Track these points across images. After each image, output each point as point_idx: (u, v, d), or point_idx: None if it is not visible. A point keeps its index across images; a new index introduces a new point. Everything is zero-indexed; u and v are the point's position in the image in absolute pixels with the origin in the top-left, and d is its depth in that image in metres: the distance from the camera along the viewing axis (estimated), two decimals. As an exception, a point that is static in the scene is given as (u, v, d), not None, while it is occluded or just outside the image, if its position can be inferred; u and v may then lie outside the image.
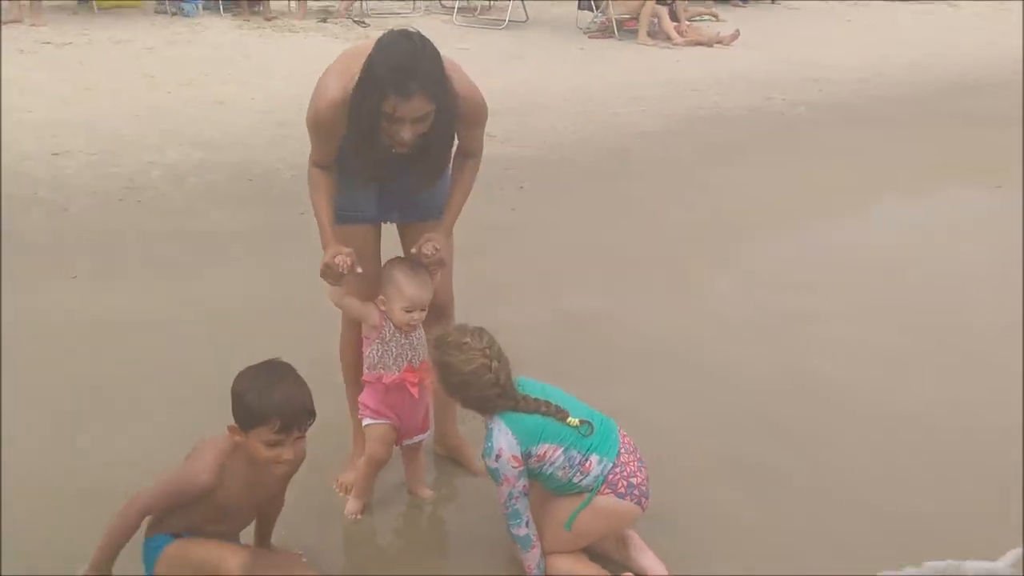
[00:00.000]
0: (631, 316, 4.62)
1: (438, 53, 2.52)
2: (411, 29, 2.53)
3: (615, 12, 12.58)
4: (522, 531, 2.65)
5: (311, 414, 2.33)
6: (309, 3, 12.90)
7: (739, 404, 3.81)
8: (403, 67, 2.42)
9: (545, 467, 2.58)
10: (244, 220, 5.54)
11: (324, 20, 12.19)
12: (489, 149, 6.98)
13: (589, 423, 2.61)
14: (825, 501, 3.20)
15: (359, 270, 2.72)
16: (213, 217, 5.56)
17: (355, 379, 3.04)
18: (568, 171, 6.98)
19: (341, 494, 3.04)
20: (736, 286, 5.06)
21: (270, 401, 2.26)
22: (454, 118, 2.63)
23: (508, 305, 4.58)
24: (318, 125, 2.63)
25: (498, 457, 2.54)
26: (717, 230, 5.94)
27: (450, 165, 2.85)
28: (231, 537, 2.48)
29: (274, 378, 2.31)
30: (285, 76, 8.93)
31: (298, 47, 10.56)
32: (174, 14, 11.78)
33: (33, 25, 10.32)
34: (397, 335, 2.83)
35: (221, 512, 2.40)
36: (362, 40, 2.74)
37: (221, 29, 11.15)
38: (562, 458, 2.58)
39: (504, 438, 2.54)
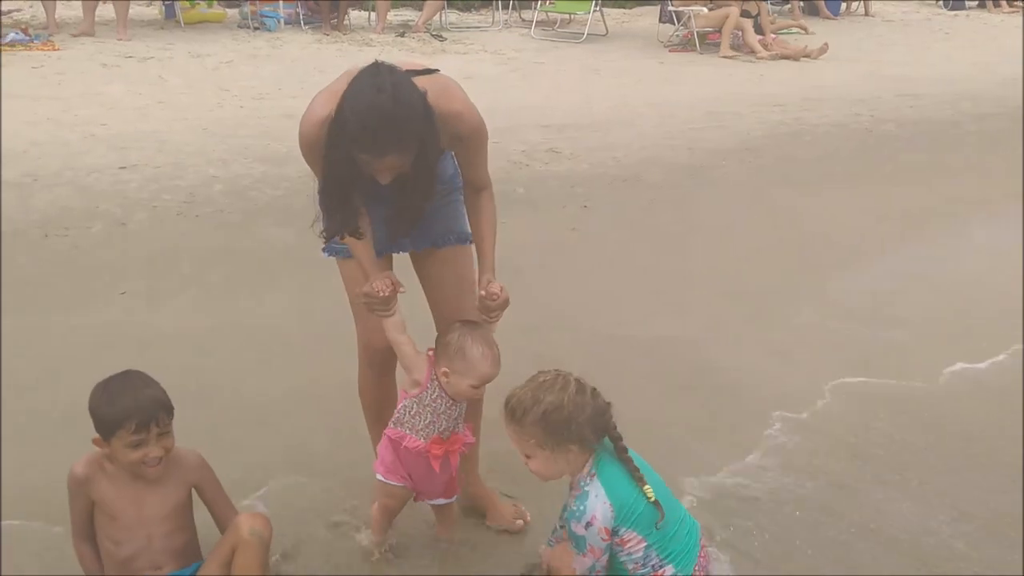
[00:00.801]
0: (692, 348, 4.31)
1: (412, 95, 2.27)
2: (384, 67, 2.31)
3: (697, 25, 12.27)
4: None
5: (166, 408, 2.41)
6: (390, 17, 12.96)
7: (815, 448, 3.50)
8: (373, 126, 2.22)
9: (621, 555, 2.40)
10: (300, 237, 5.43)
11: (402, 34, 12.21)
12: (555, 166, 7.07)
13: (659, 508, 2.36)
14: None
15: (403, 289, 2.57)
16: (270, 233, 5.49)
17: (376, 419, 2.86)
18: (636, 190, 6.72)
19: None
20: (814, 317, 4.71)
21: (121, 406, 2.36)
22: (437, 153, 2.48)
23: (560, 331, 4.38)
24: (309, 146, 2.45)
25: (588, 525, 2.33)
26: (794, 254, 5.58)
27: (436, 189, 2.61)
28: (140, 567, 2.48)
29: (121, 385, 2.41)
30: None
31: (370, 61, 10.54)
32: (256, 28, 11.95)
33: (119, 40, 10.57)
34: (438, 402, 2.58)
35: (119, 529, 2.46)
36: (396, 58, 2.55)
37: (300, 43, 11.25)
38: (642, 553, 2.39)
39: (600, 507, 2.33)
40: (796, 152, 7.94)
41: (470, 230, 2.79)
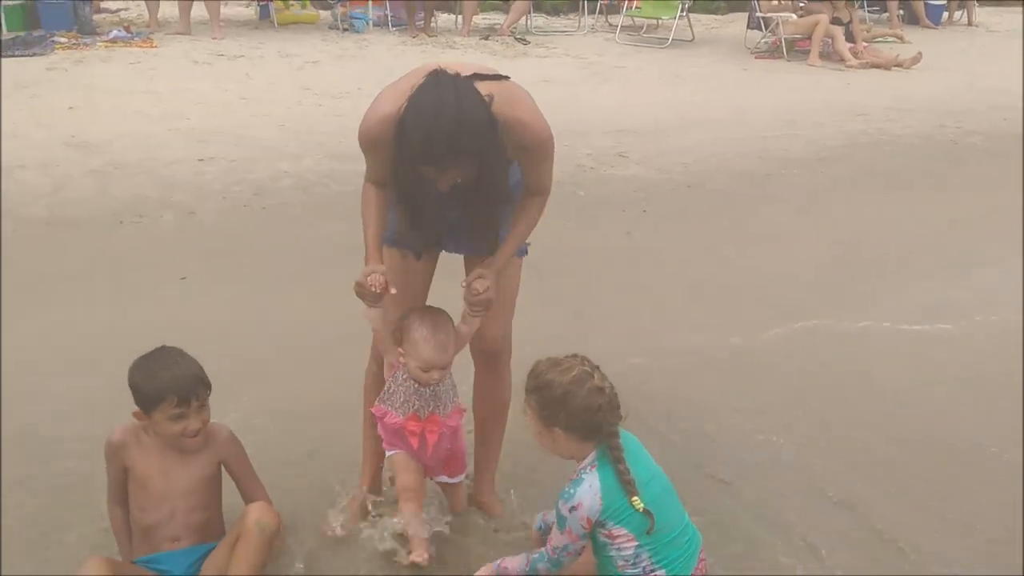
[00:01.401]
0: (735, 363, 4.22)
1: (475, 107, 2.28)
2: (445, 76, 2.30)
3: (785, 32, 12.05)
4: (542, 571, 2.50)
5: (204, 383, 2.55)
6: (477, 20, 13.12)
7: (880, 474, 3.39)
8: (434, 138, 2.24)
9: (610, 549, 2.41)
10: (360, 233, 5.58)
11: (486, 37, 12.34)
12: (620, 170, 7.08)
13: (650, 517, 2.36)
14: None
15: (393, 291, 2.60)
16: (330, 227, 5.63)
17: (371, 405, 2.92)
18: (699, 196, 6.66)
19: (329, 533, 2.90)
20: (877, 333, 4.55)
21: (162, 382, 2.48)
22: (504, 164, 2.48)
23: (600, 339, 4.28)
24: (369, 141, 2.50)
25: (573, 509, 2.37)
26: (858, 269, 5.40)
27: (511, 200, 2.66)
28: (160, 537, 2.58)
29: (161, 361, 2.53)
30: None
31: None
32: (345, 30, 12.25)
33: (213, 39, 10.98)
34: (408, 383, 2.68)
35: (147, 497, 2.58)
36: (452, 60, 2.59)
37: (386, 45, 11.48)
38: (632, 552, 2.39)
39: (589, 497, 2.36)
40: (873, 163, 7.74)
41: (524, 246, 2.82)
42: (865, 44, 12.20)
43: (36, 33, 10.72)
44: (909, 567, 2.87)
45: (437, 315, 2.67)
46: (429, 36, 12.05)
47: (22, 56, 9.67)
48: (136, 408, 2.54)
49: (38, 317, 4.30)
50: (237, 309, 4.47)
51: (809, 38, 11.95)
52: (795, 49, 12.32)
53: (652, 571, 2.41)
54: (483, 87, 2.37)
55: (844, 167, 7.56)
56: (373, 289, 2.56)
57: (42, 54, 9.79)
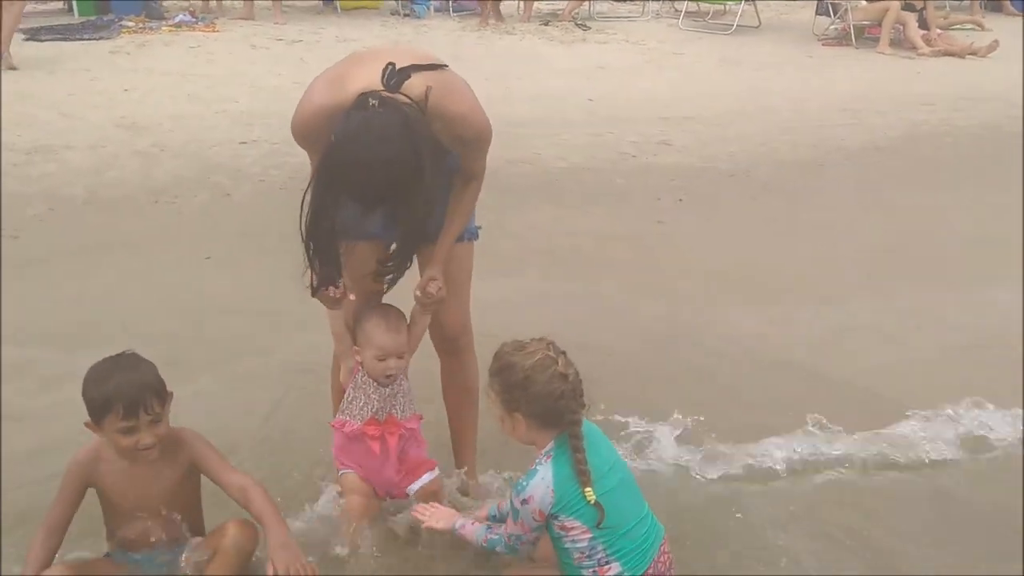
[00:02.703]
0: (740, 354, 4.08)
1: (398, 142, 2.23)
2: (373, 112, 2.24)
3: (854, 18, 11.68)
4: (499, 552, 2.50)
5: (156, 393, 2.34)
6: (540, 6, 13.05)
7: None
8: (360, 182, 2.24)
9: (565, 541, 2.36)
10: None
11: (546, 23, 12.26)
12: (662, 158, 6.98)
13: (599, 509, 2.30)
14: None
15: (351, 297, 2.59)
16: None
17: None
18: (741, 185, 6.50)
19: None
20: (916, 333, 4.32)
21: (108, 390, 2.29)
22: (428, 202, 2.40)
23: (608, 330, 4.22)
24: (303, 135, 2.46)
25: (524, 502, 2.33)
26: (900, 263, 5.17)
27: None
28: (136, 545, 2.47)
29: (110, 368, 2.34)
30: (487, 75, 9.03)
31: (509, 49, 10.70)
32: (406, 15, 12.32)
33: (276, 24, 11.14)
34: (367, 384, 2.66)
35: (119, 512, 2.45)
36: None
37: (444, 30, 11.50)
38: (586, 544, 2.34)
39: (540, 490, 2.31)
40: (932, 153, 7.46)
41: (472, 225, 2.80)
42: (940, 31, 11.73)
43: (106, 18, 11.07)
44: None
45: (389, 308, 2.68)
46: (496, 22, 11.89)
47: (90, 39, 9.97)
48: (88, 419, 2.37)
49: (51, 292, 4.41)
50: (251, 289, 4.51)
51: (879, 24, 11.55)
52: (865, 36, 11.93)
53: (606, 563, 2.35)
54: (421, 79, 2.34)
55: (900, 158, 7.30)
56: (332, 295, 2.55)
57: (108, 38, 10.07)
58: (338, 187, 2.28)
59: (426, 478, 2.79)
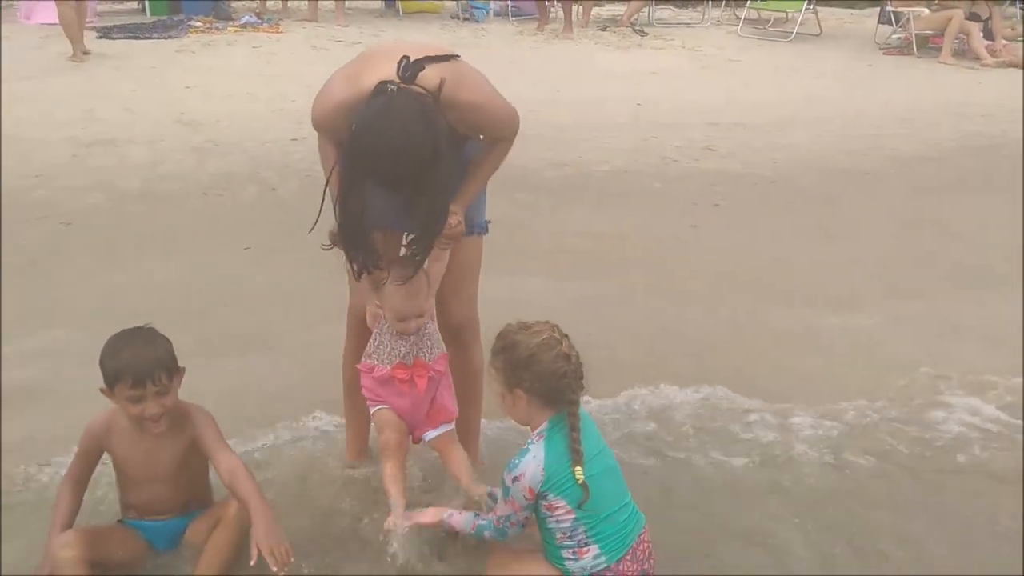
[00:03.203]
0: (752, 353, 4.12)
1: (420, 132, 2.32)
2: (395, 100, 2.34)
3: (917, 27, 11.49)
4: (487, 538, 2.55)
5: (166, 368, 2.46)
6: (599, 11, 13.12)
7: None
8: (383, 161, 2.31)
9: (549, 521, 2.44)
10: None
11: (604, 28, 12.32)
12: (704, 163, 7.02)
13: (585, 489, 2.36)
14: None
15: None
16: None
17: (351, 391, 3.01)
18: (780, 192, 6.48)
19: None
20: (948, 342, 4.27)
21: (120, 360, 2.43)
22: (446, 183, 2.49)
23: (622, 329, 4.27)
24: (322, 127, 2.61)
25: (516, 480, 2.40)
26: (935, 272, 5.10)
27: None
28: (146, 512, 2.61)
29: (127, 340, 2.48)
30: (539, 79, 9.16)
31: (564, 53, 10.80)
32: (465, 19, 12.49)
33: (337, 26, 11.41)
34: (392, 331, 2.76)
35: (130, 480, 2.59)
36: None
37: (501, 34, 11.64)
38: (569, 524, 2.41)
39: (532, 467, 2.38)
40: (984, 166, 7.31)
41: (481, 220, 2.88)
42: (1005, 42, 11.46)
43: (176, 18, 11.47)
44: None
45: (407, 265, 2.67)
46: (569, 34, 11.91)
47: (159, 38, 10.35)
48: (102, 385, 2.51)
49: (102, 279, 4.64)
50: (283, 279, 4.68)
51: (943, 34, 11.35)
52: (928, 46, 11.74)
53: (586, 544, 2.41)
54: (435, 71, 2.42)
55: (950, 168, 7.19)
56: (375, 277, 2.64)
57: (177, 37, 10.44)
58: (362, 169, 2.37)
59: (442, 429, 2.85)
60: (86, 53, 8.86)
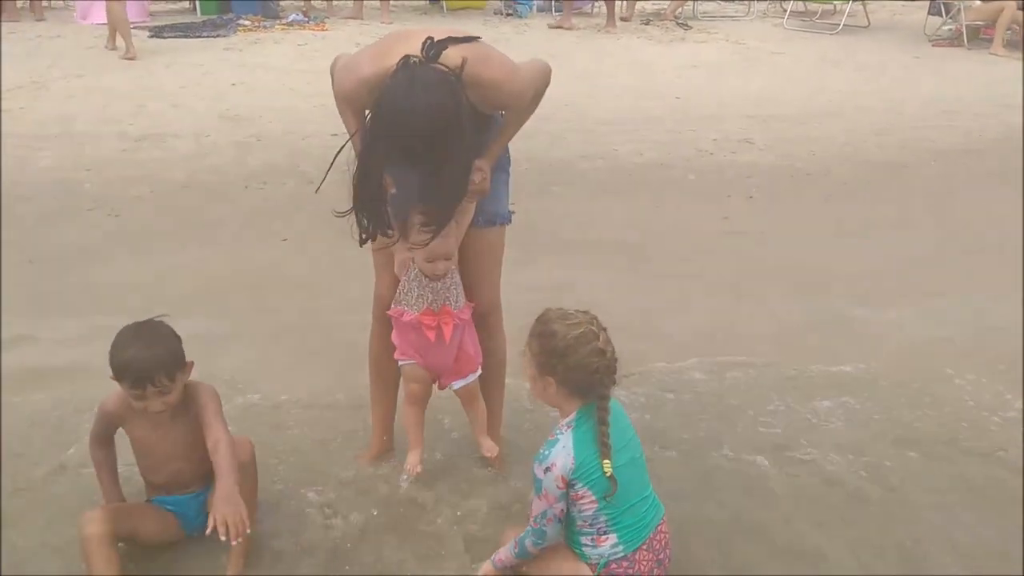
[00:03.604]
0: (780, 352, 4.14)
1: (444, 86, 2.39)
2: (417, 71, 2.40)
3: (967, 18, 11.30)
4: (534, 551, 2.53)
5: (166, 369, 2.46)
6: (644, 5, 13.09)
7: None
8: (406, 131, 2.37)
9: (572, 509, 2.47)
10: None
11: (647, 22, 12.31)
12: (740, 156, 7.02)
13: (613, 482, 2.40)
14: None
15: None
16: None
17: (377, 375, 3.11)
18: (816, 184, 6.47)
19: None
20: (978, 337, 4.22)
21: (119, 361, 2.46)
22: (467, 158, 2.56)
23: (653, 319, 4.34)
24: (345, 100, 2.67)
25: (547, 470, 2.40)
26: (972, 270, 4.99)
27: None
28: (171, 489, 2.69)
29: (131, 338, 2.49)
30: (579, 73, 9.21)
31: (605, 47, 10.81)
32: (508, 15, 12.57)
33: (382, 23, 11.56)
34: (420, 276, 2.82)
35: (148, 456, 2.65)
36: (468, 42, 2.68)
37: (541, 29, 11.70)
38: (591, 513, 2.44)
39: (562, 457, 2.40)
40: (1028, 158, 7.20)
41: (505, 210, 2.95)
42: (1060, 32, 11.21)
43: (226, 16, 11.72)
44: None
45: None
46: (612, 28, 11.93)
47: (208, 37, 10.60)
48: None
49: (147, 267, 4.84)
50: (316, 268, 4.83)
51: (994, 25, 11.14)
52: (980, 37, 11.53)
53: (605, 532, 2.45)
54: (457, 51, 2.49)
55: (991, 161, 7.11)
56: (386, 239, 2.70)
57: (226, 35, 10.69)
58: (385, 139, 2.43)
59: (469, 379, 2.99)
60: (129, 54, 9.14)
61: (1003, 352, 3.99)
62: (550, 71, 2.75)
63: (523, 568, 2.59)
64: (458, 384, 2.99)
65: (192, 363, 2.58)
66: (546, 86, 2.76)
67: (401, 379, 3.03)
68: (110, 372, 2.50)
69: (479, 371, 3.01)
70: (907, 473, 3.18)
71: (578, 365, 2.40)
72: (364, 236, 2.65)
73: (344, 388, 3.60)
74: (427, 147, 2.41)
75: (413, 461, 2.97)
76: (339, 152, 2.65)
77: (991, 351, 4.04)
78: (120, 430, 2.71)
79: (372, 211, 2.60)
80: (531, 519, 2.51)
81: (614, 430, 2.45)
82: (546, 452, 2.43)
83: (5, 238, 5.00)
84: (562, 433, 2.45)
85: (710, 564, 2.75)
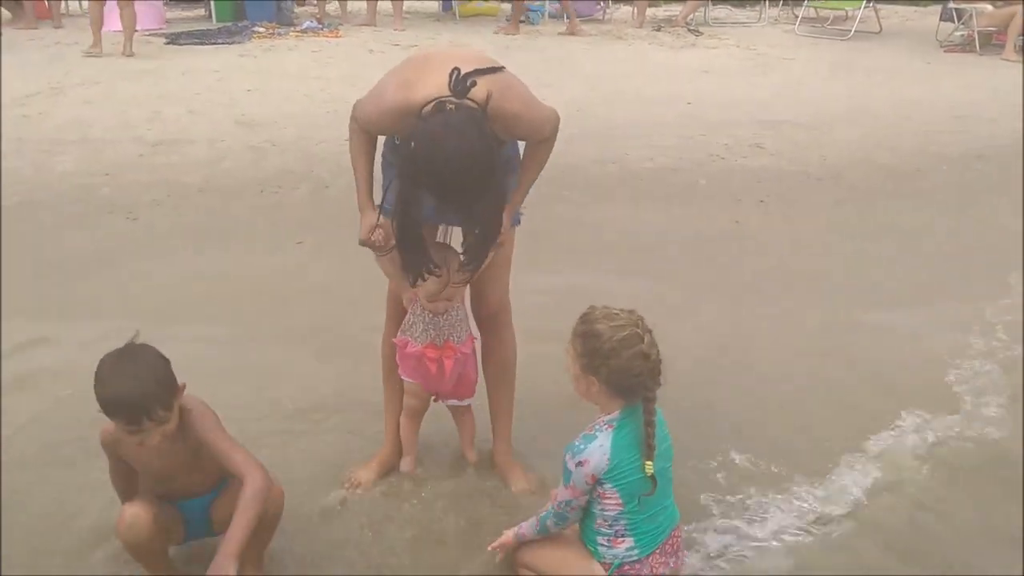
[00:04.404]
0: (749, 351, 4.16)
1: (484, 150, 2.42)
2: (454, 117, 2.43)
3: (979, 24, 11.31)
4: (554, 530, 2.58)
5: (158, 400, 2.29)
6: (656, 12, 13.15)
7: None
8: (444, 174, 2.40)
9: (595, 506, 2.49)
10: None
11: (659, 28, 12.35)
12: (751, 161, 7.05)
13: (653, 482, 2.42)
14: None
15: (393, 242, 2.80)
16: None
17: (389, 375, 3.15)
18: (827, 189, 6.50)
19: (347, 487, 3.08)
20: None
21: (109, 398, 2.28)
22: (503, 199, 2.62)
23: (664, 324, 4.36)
24: (368, 126, 2.74)
25: (580, 464, 2.41)
26: (983, 276, 5.00)
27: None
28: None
29: (113, 371, 2.31)
30: (590, 78, 9.27)
31: (616, 53, 10.86)
32: (521, 22, 12.61)
33: (395, 30, 11.65)
34: (425, 312, 2.93)
35: (148, 476, 2.54)
36: (460, 48, 2.78)
37: (553, 36, 11.75)
38: (612, 515, 2.46)
39: (598, 454, 2.40)
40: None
41: (515, 212, 2.96)
42: (1072, 38, 11.21)
43: (241, 23, 11.83)
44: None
45: (440, 249, 2.86)
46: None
47: (224, 44, 10.70)
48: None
49: (163, 270, 4.91)
50: (331, 272, 4.87)
51: (1006, 31, 11.15)
52: (992, 43, 11.53)
53: (623, 535, 2.47)
54: (483, 84, 2.51)
55: (1002, 167, 7.10)
56: (377, 246, 2.82)
57: (241, 42, 10.78)
58: (423, 181, 2.46)
59: (464, 401, 3.14)
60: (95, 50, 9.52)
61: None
62: (559, 119, 2.81)
63: (539, 566, 2.62)
64: (451, 403, 3.14)
65: (184, 385, 2.41)
66: (555, 133, 2.81)
67: (404, 395, 3.12)
68: (97, 408, 2.31)
69: (473, 397, 3.14)
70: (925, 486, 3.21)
71: (621, 368, 2.38)
72: (413, 277, 2.72)
73: (359, 391, 3.63)
74: (464, 195, 2.46)
75: (408, 465, 3.17)
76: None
77: (1006, 355, 4.07)
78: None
79: (415, 252, 2.65)
80: (554, 502, 2.53)
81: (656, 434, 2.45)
82: (581, 446, 2.42)
83: (24, 242, 5.09)
84: (601, 431, 2.43)
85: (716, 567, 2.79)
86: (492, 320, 3.10)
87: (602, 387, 2.43)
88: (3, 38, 10.30)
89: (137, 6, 9.74)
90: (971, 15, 11.34)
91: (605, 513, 2.47)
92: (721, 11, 13.84)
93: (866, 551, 2.85)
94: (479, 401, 3.20)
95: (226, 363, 3.83)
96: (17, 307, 4.31)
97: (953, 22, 11.80)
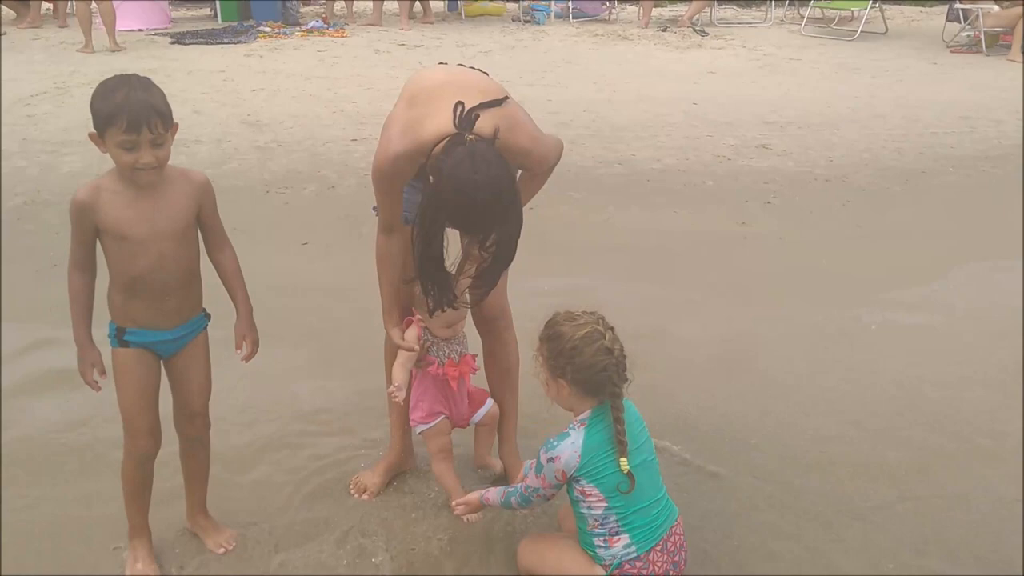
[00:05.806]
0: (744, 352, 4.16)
1: (504, 183, 2.43)
2: (476, 150, 2.41)
3: (985, 24, 11.27)
4: (516, 509, 2.72)
5: (161, 115, 2.36)
6: (660, 12, 13.13)
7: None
8: (470, 205, 2.41)
9: (582, 506, 2.52)
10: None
11: (664, 29, 12.34)
12: (758, 162, 7.04)
13: (630, 479, 2.44)
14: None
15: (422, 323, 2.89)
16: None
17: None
18: (834, 190, 6.47)
19: (354, 494, 3.13)
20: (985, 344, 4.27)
21: (114, 102, 2.33)
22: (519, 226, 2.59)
23: (671, 325, 4.41)
24: (381, 179, 2.68)
25: (551, 460, 2.48)
26: (987, 273, 5.06)
27: None
28: (149, 292, 2.54)
29: (123, 84, 2.38)
30: (596, 79, 9.26)
31: (622, 54, 10.86)
32: (527, 22, 12.63)
33: (400, 30, 11.66)
34: (437, 340, 2.94)
35: (126, 245, 2.46)
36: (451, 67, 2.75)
37: (560, 36, 11.76)
38: (601, 512, 2.49)
39: (568, 452, 2.46)
40: (1047, 164, 7.19)
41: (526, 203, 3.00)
42: (1079, 39, 11.16)
43: (246, 23, 11.85)
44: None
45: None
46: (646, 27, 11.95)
47: (229, 43, 10.71)
48: (92, 130, 2.40)
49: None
50: (337, 272, 4.88)
51: (1012, 31, 11.11)
52: (998, 43, 11.50)
53: (617, 533, 2.49)
54: (488, 118, 2.50)
55: (1009, 167, 7.08)
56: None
57: (246, 42, 10.80)
58: (448, 213, 2.46)
59: (485, 408, 3.10)
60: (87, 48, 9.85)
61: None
62: (563, 148, 2.83)
63: (540, 569, 2.65)
64: (478, 416, 3.10)
65: (177, 125, 2.47)
66: (558, 161, 2.83)
67: (428, 441, 3.04)
68: (91, 128, 2.38)
69: (490, 400, 3.12)
70: (927, 478, 3.21)
71: (586, 364, 2.45)
72: (434, 307, 2.71)
73: (365, 393, 3.65)
74: (489, 227, 2.48)
75: (457, 502, 2.90)
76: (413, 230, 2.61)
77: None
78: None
79: (437, 281, 2.65)
80: (523, 485, 2.60)
81: (629, 429, 2.49)
82: (555, 443, 2.50)
83: (31, 243, 5.09)
84: (574, 429, 2.50)
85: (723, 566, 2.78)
86: (493, 324, 3.10)
87: (572, 389, 2.50)
88: (7, 38, 10.32)
89: (143, 5, 9.80)
90: (977, 15, 11.31)
91: (593, 512, 2.49)
92: (727, 11, 13.83)
93: (878, 549, 2.84)
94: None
95: (229, 364, 3.79)
96: (22, 308, 4.31)
97: (959, 22, 11.77)
